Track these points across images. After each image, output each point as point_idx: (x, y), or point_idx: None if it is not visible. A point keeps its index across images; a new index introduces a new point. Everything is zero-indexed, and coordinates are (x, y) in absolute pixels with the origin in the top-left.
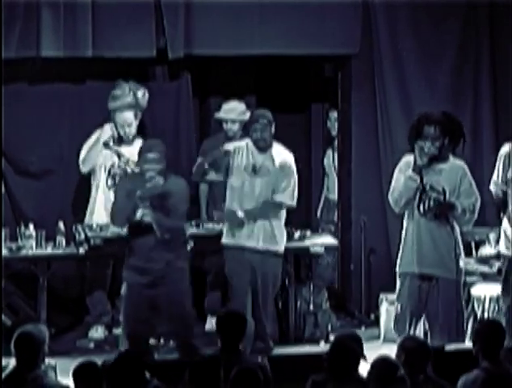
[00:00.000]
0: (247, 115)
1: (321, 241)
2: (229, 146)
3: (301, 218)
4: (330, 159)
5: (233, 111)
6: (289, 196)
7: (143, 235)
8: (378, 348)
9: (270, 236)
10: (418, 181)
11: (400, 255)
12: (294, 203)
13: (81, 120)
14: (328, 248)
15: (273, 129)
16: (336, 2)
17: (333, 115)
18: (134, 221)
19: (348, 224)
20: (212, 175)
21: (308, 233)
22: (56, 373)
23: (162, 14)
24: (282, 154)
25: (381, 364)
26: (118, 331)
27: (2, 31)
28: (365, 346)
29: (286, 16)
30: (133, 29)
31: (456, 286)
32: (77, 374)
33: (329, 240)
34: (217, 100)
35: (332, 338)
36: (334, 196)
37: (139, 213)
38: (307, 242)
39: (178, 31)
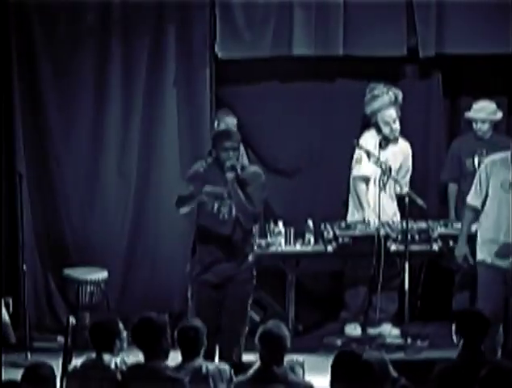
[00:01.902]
0: (498, 115)
1: None
2: None
3: None
4: None
5: (484, 110)
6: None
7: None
8: None
9: None
10: None
11: None
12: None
13: (332, 119)
14: None
15: None
16: None
17: None
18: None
19: None
20: None
21: None
22: (303, 370)
23: (414, 12)
24: None
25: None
26: (373, 331)
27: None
28: None
29: None
30: (384, 28)
31: None
32: None
33: None
34: (467, 99)
35: None
36: None
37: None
38: None
39: (429, 30)
